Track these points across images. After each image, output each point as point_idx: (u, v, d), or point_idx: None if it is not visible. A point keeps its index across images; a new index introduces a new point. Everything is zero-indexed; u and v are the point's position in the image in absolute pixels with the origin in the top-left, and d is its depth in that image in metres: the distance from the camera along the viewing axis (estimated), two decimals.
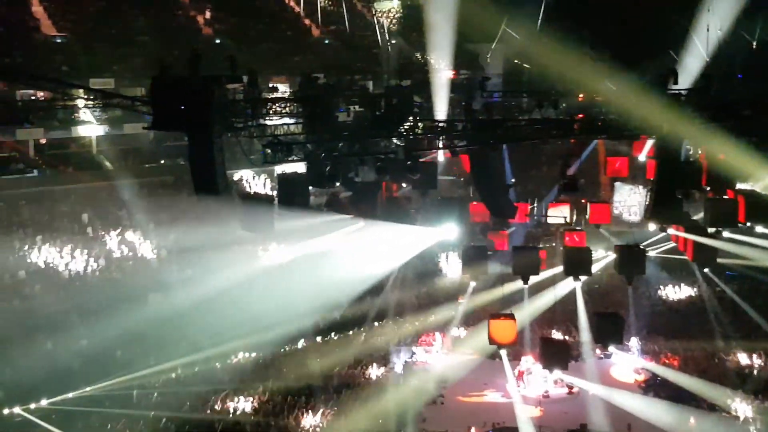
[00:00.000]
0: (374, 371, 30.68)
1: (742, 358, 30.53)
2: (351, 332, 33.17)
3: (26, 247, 34.70)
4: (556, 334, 32.14)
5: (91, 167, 39.18)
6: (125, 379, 27.91)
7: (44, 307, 31.69)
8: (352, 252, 32.81)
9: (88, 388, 27.23)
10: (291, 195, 19.28)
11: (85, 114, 40.48)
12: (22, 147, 40.63)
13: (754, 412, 26.01)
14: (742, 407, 26.10)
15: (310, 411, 26.68)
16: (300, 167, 19.44)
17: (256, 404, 27.44)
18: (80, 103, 38.45)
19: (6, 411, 25.66)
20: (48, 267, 34.23)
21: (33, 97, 42.02)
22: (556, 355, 22.47)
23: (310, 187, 19.71)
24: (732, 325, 32.78)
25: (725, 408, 26.59)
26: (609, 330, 21.88)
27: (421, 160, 20.92)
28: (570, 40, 30.89)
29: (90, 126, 40.98)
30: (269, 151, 18.88)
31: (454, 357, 33.15)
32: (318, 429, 26.00)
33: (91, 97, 35.48)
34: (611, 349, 31.79)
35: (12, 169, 39.31)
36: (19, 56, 42.04)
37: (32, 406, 26.04)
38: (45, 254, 34.83)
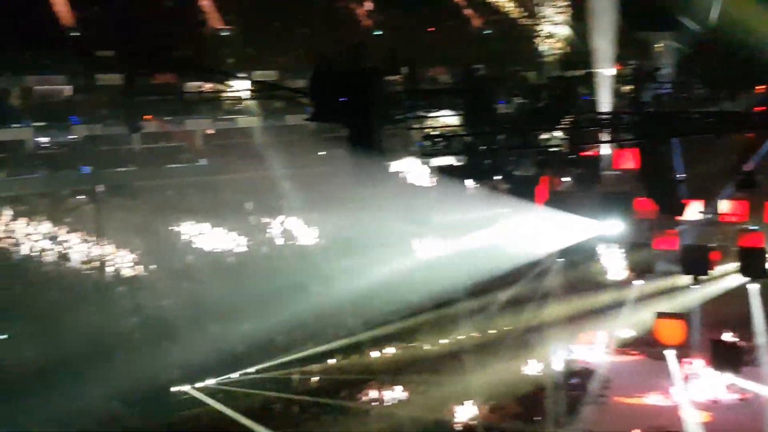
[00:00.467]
0: (530, 368, 30.06)
1: None
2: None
3: (194, 234, 36.40)
4: (727, 337, 30.42)
5: (254, 157, 40.43)
6: (284, 362, 28.78)
7: (210, 291, 33.18)
8: (511, 245, 32.38)
9: (250, 370, 28.23)
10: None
11: (249, 105, 41.81)
12: (190, 137, 42.55)
13: None
14: None
15: (465, 405, 26.54)
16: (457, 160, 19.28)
17: (411, 395, 27.57)
18: (244, 94, 39.88)
19: (176, 389, 26.97)
20: (213, 253, 35.73)
21: (200, 89, 43.97)
22: (728, 358, 21.35)
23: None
24: None
25: None
26: None
27: (584, 154, 20.22)
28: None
29: (253, 117, 42.31)
30: (428, 143, 18.79)
31: (617, 357, 32.16)
32: (475, 423, 25.81)
33: (255, 89, 36.72)
34: None
35: (180, 159, 41.26)
36: (188, 49, 43.95)
37: (199, 384, 27.24)
38: (211, 241, 36.43)
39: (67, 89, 40.15)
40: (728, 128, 19.05)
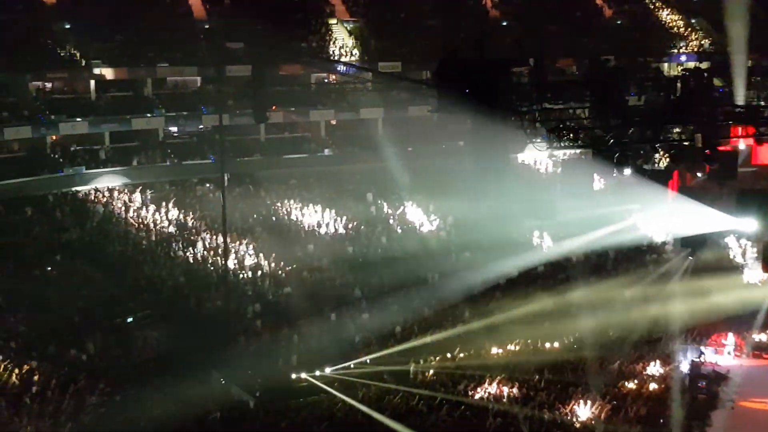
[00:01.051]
0: (655, 368, 29.11)
1: None
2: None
3: (315, 223, 36.97)
4: None
5: (376, 148, 40.64)
6: (401, 350, 28.87)
7: (330, 280, 33.67)
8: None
9: (367, 359, 28.47)
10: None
11: (372, 96, 42.05)
12: (315, 128, 43.22)
13: None
14: None
15: (584, 402, 25.89)
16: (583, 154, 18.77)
17: (528, 392, 27.11)
18: (369, 86, 40.23)
19: (295, 375, 27.48)
20: (334, 242, 36.17)
21: (326, 80, 44.60)
22: None
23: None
24: None
25: None
26: None
27: (720, 148, 19.32)
28: None
29: (376, 108, 42.54)
30: (554, 136, 18.41)
31: (748, 360, 30.79)
32: (594, 422, 25.14)
33: (379, 80, 36.94)
34: None
35: (305, 149, 41.98)
36: (315, 41, 44.65)
37: (317, 372, 27.66)
38: (332, 230, 36.91)
39: (198, 80, 41.62)
40: None
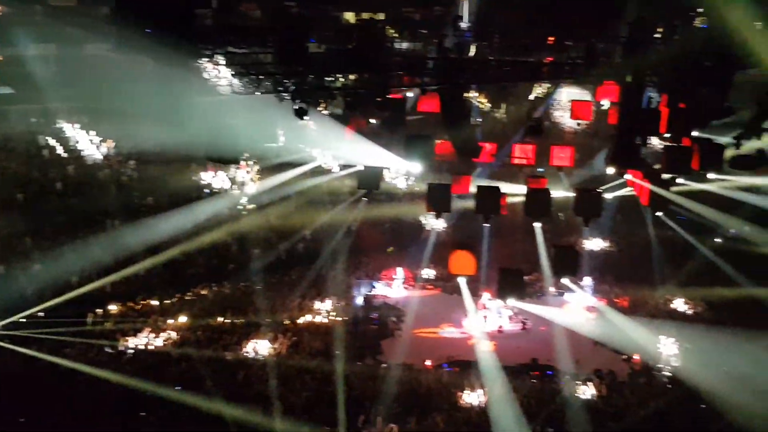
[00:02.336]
0: (327, 305, 30.79)
1: (678, 305, 31.77)
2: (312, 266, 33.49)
3: None
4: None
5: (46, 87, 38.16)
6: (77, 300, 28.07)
7: None
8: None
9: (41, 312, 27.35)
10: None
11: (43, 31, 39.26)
12: None
13: None
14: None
15: (263, 340, 26.95)
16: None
17: (212, 334, 27.68)
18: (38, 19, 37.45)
19: None
20: None
21: None
22: (512, 285, 22.96)
23: None
24: (677, 270, 33.85)
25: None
26: (566, 262, 22.51)
27: (391, 96, 20.97)
28: None
29: (47, 45, 39.80)
30: (237, 80, 18.80)
31: (415, 291, 33.85)
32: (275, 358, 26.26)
33: (51, 14, 34.50)
34: (565, 287, 32.77)
35: None
36: None
37: None
38: None
39: None
40: (522, 77, 20.47)
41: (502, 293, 23.58)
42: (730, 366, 22.89)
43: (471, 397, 23.33)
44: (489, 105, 40.25)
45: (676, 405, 22.47)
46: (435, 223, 34.79)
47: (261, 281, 31.94)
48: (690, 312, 31.35)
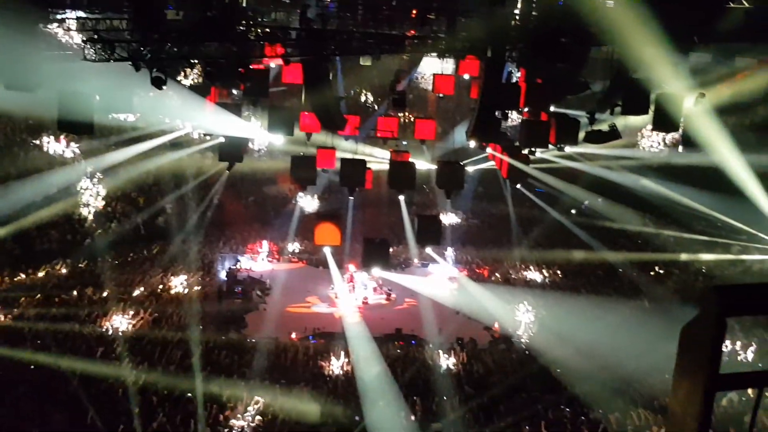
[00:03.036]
0: (190, 279, 30.06)
1: (536, 275, 33.02)
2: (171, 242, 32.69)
3: None
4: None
5: None
6: None
7: None
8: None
9: None
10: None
11: None
12: None
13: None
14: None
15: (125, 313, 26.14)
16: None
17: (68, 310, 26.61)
18: None
19: None
20: None
21: None
22: (377, 255, 23.17)
23: None
24: (534, 239, 35.18)
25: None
26: (429, 231, 22.84)
27: (253, 67, 20.60)
28: None
29: None
30: (90, 47, 17.97)
31: (281, 265, 33.68)
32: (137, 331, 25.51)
33: None
34: (429, 258, 33.46)
35: None
36: None
37: None
38: None
39: None
40: (385, 50, 20.50)
41: (366, 263, 23.75)
42: (581, 334, 23.85)
43: (335, 366, 23.47)
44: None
45: (530, 373, 23.23)
46: (304, 202, 34.65)
47: (120, 255, 31.05)
48: (547, 281, 32.56)
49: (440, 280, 32.67)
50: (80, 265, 30.13)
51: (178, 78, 19.83)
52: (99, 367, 21.47)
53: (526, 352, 25.36)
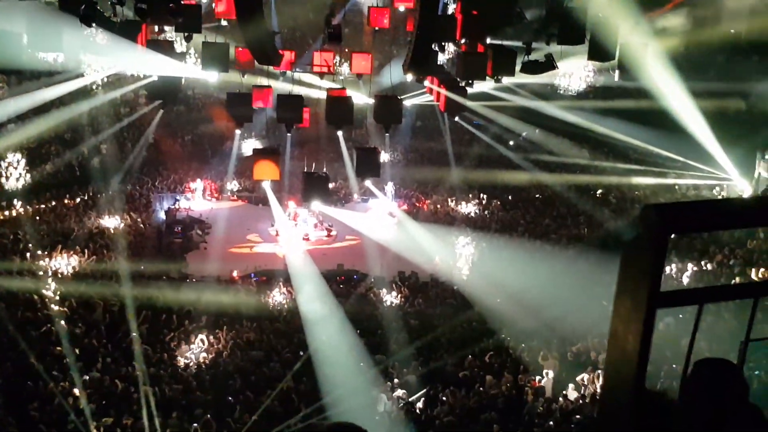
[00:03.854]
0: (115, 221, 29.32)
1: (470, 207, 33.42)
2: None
3: None
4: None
5: None
6: None
7: None
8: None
9: None
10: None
11: None
12: None
13: None
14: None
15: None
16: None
17: None
18: None
19: None
20: None
21: None
22: (317, 189, 23.00)
23: None
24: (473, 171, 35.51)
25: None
26: (368, 163, 22.77)
27: (184, 2, 20.07)
28: None
29: None
30: None
31: (220, 204, 33.44)
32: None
33: None
34: (369, 193, 33.55)
35: None
36: None
37: None
38: None
39: None
40: None
41: (306, 197, 23.61)
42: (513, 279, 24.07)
43: (278, 302, 23.56)
44: None
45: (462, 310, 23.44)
46: (242, 140, 34.19)
47: (51, 199, 30.39)
48: (487, 213, 32.88)
49: (380, 216, 32.81)
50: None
51: (107, 14, 19.08)
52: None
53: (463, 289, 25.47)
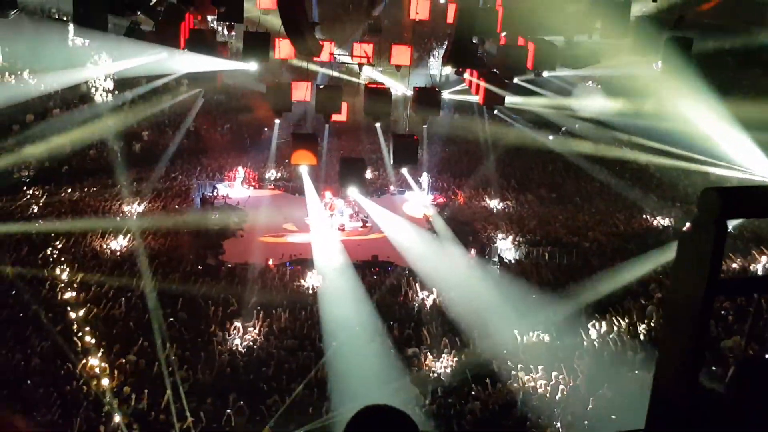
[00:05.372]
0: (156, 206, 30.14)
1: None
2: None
3: None
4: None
5: None
6: None
7: None
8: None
9: None
10: (87, 16, 18.03)
11: None
12: None
13: None
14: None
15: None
16: None
17: None
18: None
19: None
20: None
21: None
22: (353, 175, 22.97)
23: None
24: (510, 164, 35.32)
25: None
26: (405, 150, 22.67)
27: None
28: None
29: None
30: None
31: (258, 192, 33.60)
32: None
33: None
34: (406, 184, 33.46)
35: None
36: None
37: None
38: None
39: None
40: None
41: (343, 182, 23.57)
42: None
43: (311, 291, 23.70)
44: None
45: None
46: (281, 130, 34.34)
47: (97, 184, 30.86)
48: (521, 210, 32.60)
49: (417, 207, 32.72)
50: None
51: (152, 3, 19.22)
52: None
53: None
